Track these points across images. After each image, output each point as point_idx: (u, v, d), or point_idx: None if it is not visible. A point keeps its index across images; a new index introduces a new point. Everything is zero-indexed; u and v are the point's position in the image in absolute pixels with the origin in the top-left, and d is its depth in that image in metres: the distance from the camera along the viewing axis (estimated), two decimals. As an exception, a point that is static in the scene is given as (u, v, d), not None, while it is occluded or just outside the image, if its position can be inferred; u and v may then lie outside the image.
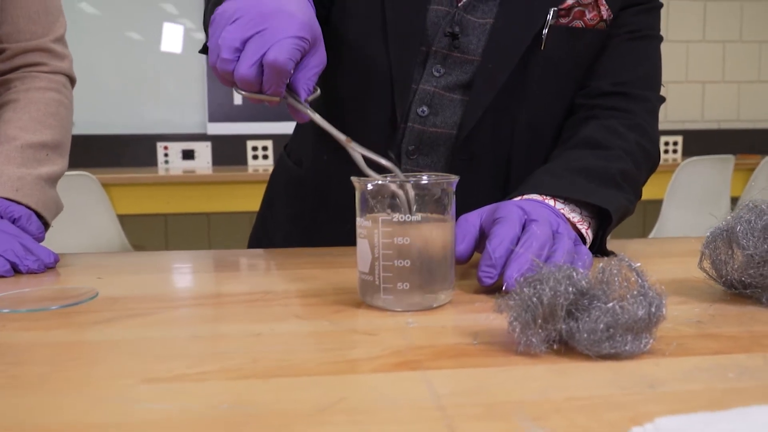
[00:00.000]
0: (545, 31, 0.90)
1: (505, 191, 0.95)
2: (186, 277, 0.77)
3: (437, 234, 0.60)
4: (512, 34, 0.91)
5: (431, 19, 0.92)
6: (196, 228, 3.43)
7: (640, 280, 0.49)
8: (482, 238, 0.71)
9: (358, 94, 0.95)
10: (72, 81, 1.02)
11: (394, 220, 0.58)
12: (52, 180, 0.92)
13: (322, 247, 0.92)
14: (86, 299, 0.63)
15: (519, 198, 0.79)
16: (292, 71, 0.65)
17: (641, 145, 0.90)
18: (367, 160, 0.65)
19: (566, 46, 0.92)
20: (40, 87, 0.96)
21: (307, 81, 0.68)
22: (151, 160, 3.37)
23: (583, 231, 0.79)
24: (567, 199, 0.79)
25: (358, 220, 0.61)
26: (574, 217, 0.79)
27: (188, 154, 3.37)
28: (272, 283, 0.71)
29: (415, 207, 0.59)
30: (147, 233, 3.34)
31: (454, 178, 0.61)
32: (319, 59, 0.68)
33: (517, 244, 0.64)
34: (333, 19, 0.97)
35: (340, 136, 0.66)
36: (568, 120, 0.96)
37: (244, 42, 0.63)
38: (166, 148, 3.35)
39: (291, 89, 0.68)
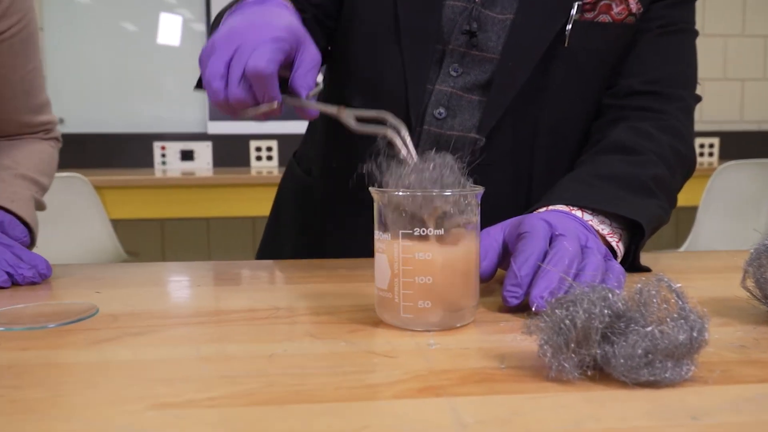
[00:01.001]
0: (569, 26, 0.90)
1: (527, 198, 0.95)
2: (189, 291, 0.78)
3: (461, 249, 0.60)
4: (534, 30, 0.91)
5: (447, 15, 0.93)
6: (195, 234, 3.44)
7: (680, 302, 0.49)
8: (505, 253, 0.71)
9: (370, 97, 0.96)
10: (60, 143, 1.12)
11: (415, 234, 0.59)
12: (37, 205, 0.98)
13: (334, 259, 0.93)
14: (86, 316, 0.64)
15: (544, 209, 0.79)
16: (276, 73, 0.67)
17: (675, 149, 0.90)
18: (361, 120, 0.67)
19: (592, 42, 0.92)
20: (36, 139, 1.05)
21: (305, 78, 0.70)
22: (147, 161, 3.39)
23: (614, 244, 0.79)
24: (596, 210, 0.80)
25: (377, 234, 0.61)
26: (604, 229, 0.79)
27: (187, 155, 3.38)
28: (281, 298, 0.72)
29: (413, 150, 0.63)
30: (142, 239, 3.36)
31: (479, 189, 0.61)
32: (310, 56, 0.70)
33: (543, 260, 0.65)
34: (341, 26, 0.98)
35: (332, 109, 0.69)
36: (595, 122, 0.97)
37: (227, 66, 0.67)
38: (163, 148, 3.37)
39: (292, 91, 0.70)
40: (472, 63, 0.93)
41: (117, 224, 2.76)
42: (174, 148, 3.38)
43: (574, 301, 0.49)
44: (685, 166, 0.93)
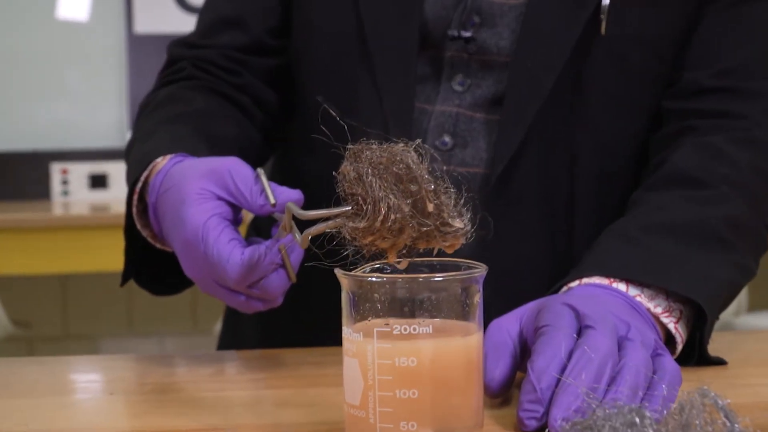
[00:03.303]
0: (605, 2, 0.92)
1: (568, 249, 0.98)
2: (101, 403, 0.83)
3: (457, 351, 0.65)
4: (557, 15, 0.94)
5: (433, 11, 0.96)
6: (110, 295, 3.39)
7: (728, 424, 0.56)
8: (524, 351, 0.75)
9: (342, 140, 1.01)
10: None
11: (395, 332, 0.64)
12: None
13: (298, 348, 0.97)
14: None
15: (576, 282, 0.84)
16: (244, 254, 0.78)
17: (759, 170, 0.94)
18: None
19: (638, 26, 0.95)
20: None
21: (257, 202, 0.82)
22: (41, 191, 3.33)
23: (671, 327, 0.83)
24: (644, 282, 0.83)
25: (345, 331, 0.66)
26: (657, 306, 0.83)
27: (99, 181, 3.33)
28: (223, 412, 0.77)
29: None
30: (36, 304, 3.32)
31: (480, 271, 0.66)
32: (244, 170, 0.83)
33: (568, 364, 0.68)
34: (295, 47, 1.05)
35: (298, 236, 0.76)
36: (654, 135, 0.99)
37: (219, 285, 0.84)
38: (64, 171, 3.32)
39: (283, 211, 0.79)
40: (481, 71, 0.97)
41: (1, 283, 2.77)
42: (80, 170, 3.33)
43: (592, 427, 0.55)
44: None
